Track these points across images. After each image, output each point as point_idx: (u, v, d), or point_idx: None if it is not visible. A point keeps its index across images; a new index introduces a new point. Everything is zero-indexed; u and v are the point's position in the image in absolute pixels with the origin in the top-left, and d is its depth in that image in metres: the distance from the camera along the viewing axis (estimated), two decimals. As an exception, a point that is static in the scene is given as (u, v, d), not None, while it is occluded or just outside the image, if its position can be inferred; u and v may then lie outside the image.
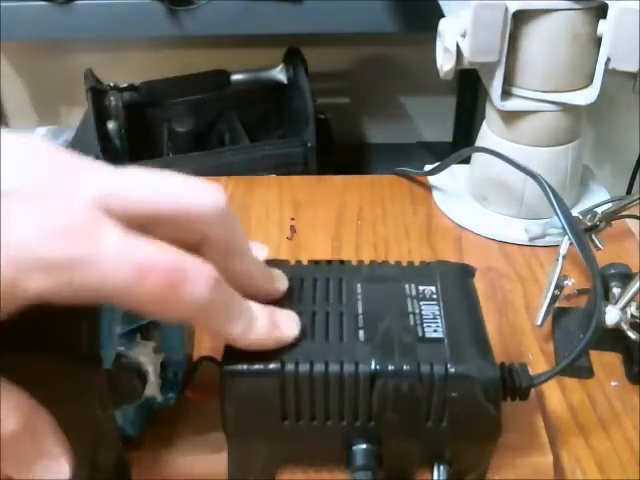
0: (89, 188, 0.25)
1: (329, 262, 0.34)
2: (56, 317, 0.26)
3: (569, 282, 0.44)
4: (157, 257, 0.24)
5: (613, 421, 0.39)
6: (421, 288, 0.32)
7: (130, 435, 0.31)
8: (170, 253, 0.25)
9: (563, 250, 0.44)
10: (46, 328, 0.26)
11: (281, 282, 0.32)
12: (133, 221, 0.25)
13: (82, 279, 0.23)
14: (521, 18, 0.48)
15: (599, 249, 0.48)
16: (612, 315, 0.40)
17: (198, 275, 0.25)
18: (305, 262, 0.34)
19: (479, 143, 0.57)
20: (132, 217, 0.25)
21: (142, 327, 0.31)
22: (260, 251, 0.32)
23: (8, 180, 0.23)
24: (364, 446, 0.29)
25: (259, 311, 0.28)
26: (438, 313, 0.31)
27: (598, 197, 0.57)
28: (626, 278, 0.43)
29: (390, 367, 0.28)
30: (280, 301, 0.31)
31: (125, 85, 0.98)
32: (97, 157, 0.86)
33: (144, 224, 0.25)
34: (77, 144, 0.95)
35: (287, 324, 0.29)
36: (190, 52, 1.12)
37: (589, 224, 0.48)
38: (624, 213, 0.51)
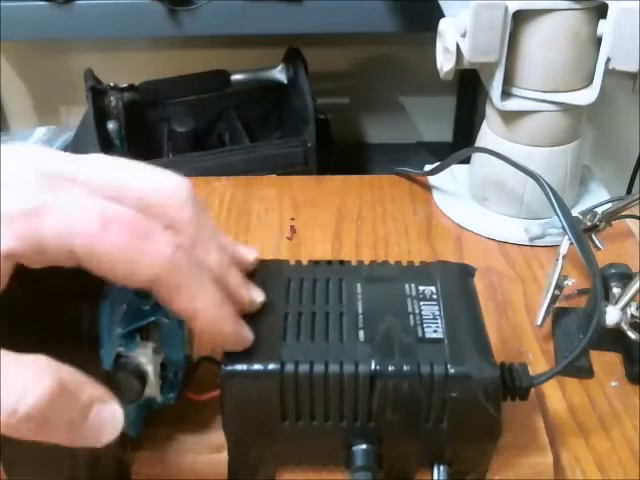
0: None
1: (329, 262, 0.34)
2: (58, 300, 0.26)
3: (569, 282, 0.44)
4: (121, 210, 0.24)
5: (613, 421, 0.39)
6: (421, 288, 0.32)
7: (130, 435, 0.31)
8: (134, 212, 0.25)
9: (563, 250, 0.44)
10: (47, 310, 0.26)
11: (256, 292, 0.31)
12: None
13: (47, 228, 0.23)
14: (521, 18, 0.48)
15: (599, 249, 0.48)
16: (612, 315, 0.40)
17: (161, 234, 0.25)
18: (305, 262, 0.34)
19: (479, 143, 0.57)
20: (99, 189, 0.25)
21: (142, 327, 0.31)
22: (249, 254, 0.32)
23: None
24: (364, 446, 0.29)
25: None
26: (438, 313, 0.31)
27: (598, 197, 0.57)
28: (626, 278, 0.43)
29: (390, 367, 0.28)
30: (280, 301, 0.31)
31: (125, 85, 0.98)
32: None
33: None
34: (77, 144, 0.95)
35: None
36: (190, 52, 1.12)
37: (589, 224, 0.48)
38: (624, 213, 0.51)
